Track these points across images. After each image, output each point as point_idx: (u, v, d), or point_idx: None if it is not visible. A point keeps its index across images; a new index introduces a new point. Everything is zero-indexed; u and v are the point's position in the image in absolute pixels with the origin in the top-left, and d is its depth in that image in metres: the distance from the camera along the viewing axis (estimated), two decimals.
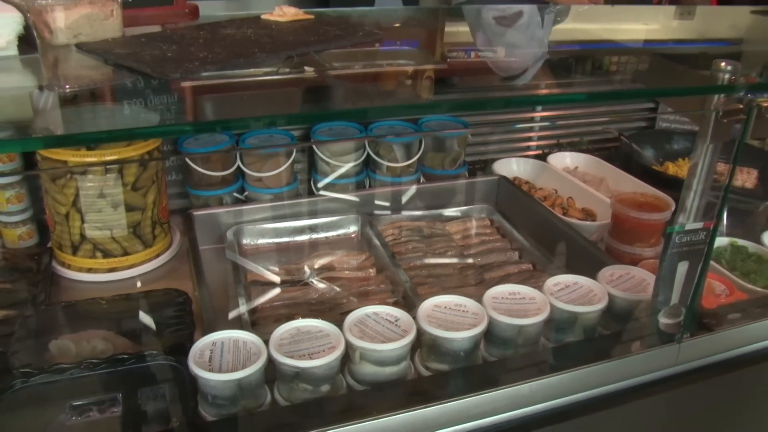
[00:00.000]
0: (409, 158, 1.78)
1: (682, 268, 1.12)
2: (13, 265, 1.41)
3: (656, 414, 1.19)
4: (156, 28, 1.27)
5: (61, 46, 1.10)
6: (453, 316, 1.10)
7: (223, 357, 0.99)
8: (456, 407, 1.01)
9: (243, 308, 1.27)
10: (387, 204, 1.69)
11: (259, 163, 1.67)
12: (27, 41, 1.09)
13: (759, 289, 1.37)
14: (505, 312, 1.11)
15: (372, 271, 1.45)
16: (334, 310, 1.30)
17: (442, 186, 1.76)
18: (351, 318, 1.08)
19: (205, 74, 0.98)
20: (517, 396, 1.05)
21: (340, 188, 1.73)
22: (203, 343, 1.02)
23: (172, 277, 1.44)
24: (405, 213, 1.68)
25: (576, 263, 1.41)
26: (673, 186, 1.63)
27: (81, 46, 1.08)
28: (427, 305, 1.12)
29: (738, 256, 1.51)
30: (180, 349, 1.09)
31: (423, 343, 1.10)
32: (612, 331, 1.21)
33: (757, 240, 1.55)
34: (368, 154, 1.76)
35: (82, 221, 1.37)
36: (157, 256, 1.48)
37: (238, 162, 1.66)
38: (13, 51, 1.07)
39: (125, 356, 1.07)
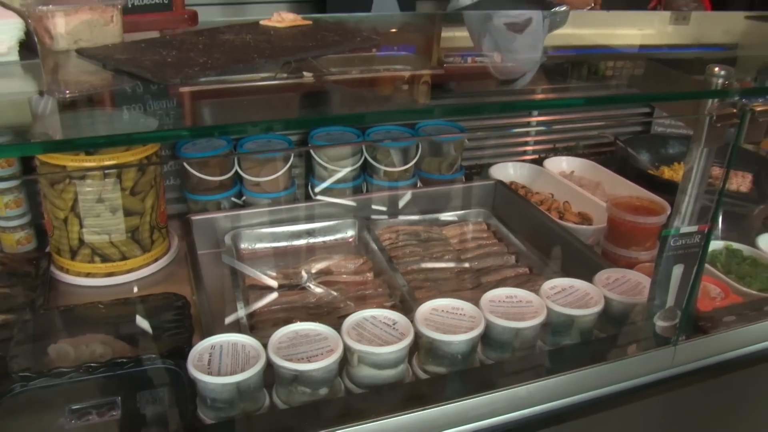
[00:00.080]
0: (406, 163, 1.78)
1: (678, 271, 1.13)
2: (12, 269, 1.41)
3: (652, 416, 1.20)
4: (155, 34, 1.28)
5: (62, 51, 1.10)
6: (450, 320, 1.11)
7: (222, 360, 1.00)
8: (454, 410, 1.01)
9: (241, 312, 1.27)
10: (384, 208, 1.70)
11: (257, 167, 1.67)
12: (28, 47, 1.10)
13: (754, 292, 1.38)
14: (502, 315, 1.11)
15: (369, 275, 1.45)
16: (331, 314, 1.31)
17: (439, 190, 1.77)
18: (349, 321, 1.09)
19: (203, 79, 0.99)
20: (515, 398, 1.06)
21: (337, 193, 1.73)
22: (202, 346, 1.02)
23: (170, 282, 1.45)
24: (402, 217, 1.68)
25: (572, 267, 1.42)
26: (669, 190, 1.64)
27: (81, 52, 1.09)
28: (425, 308, 1.13)
29: (733, 259, 1.52)
30: (179, 353, 1.09)
31: (421, 346, 1.10)
32: (608, 334, 1.22)
33: (752, 243, 1.56)
34: (365, 159, 1.77)
35: (81, 226, 1.37)
36: (156, 260, 1.49)
37: (236, 167, 1.67)
38: (14, 56, 1.08)
39: (124, 360, 1.08)
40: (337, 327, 1.07)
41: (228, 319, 1.26)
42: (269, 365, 1.00)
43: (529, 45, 1.62)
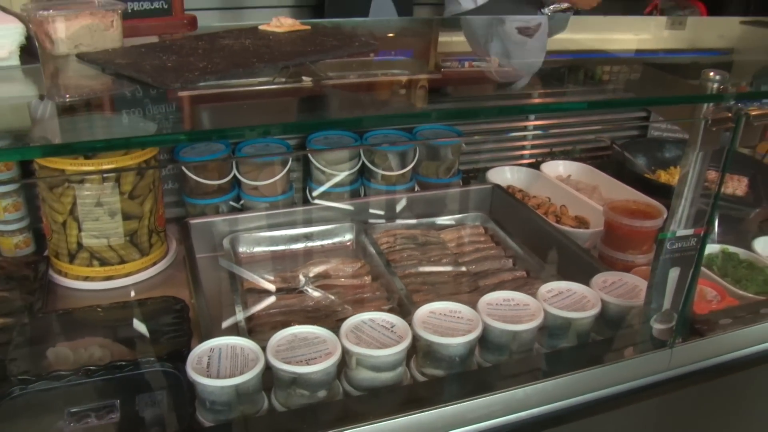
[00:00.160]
0: (403, 167, 1.79)
1: (674, 273, 1.13)
2: (10, 273, 1.41)
3: (649, 418, 1.20)
4: (155, 39, 1.29)
5: (62, 56, 1.11)
6: (448, 322, 1.11)
7: (221, 363, 1.00)
8: (451, 412, 1.02)
9: (240, 315, 1.27)
10: (382, 212, 1.70)
11: (255, 172, 1.68)
12: (29, 51, 1.10)
13: (750, 295, 1.39)
14: (500, 318, 1.12)
15: (367, 279, 1.46)
16: (329, 317, 1.31)
17: (437, 194, 1.78)
18: (347, 324, 1.09)
19: (202, 84, 1.00)
20: (512, 401, 1.06)
21: (335, 197, 1.74)
22: (201, 349, 1.03)
23: (169, 285, 1.45)
24: (400, 221, 1.69)
25: (569, 270, 1.43)
26: (665, 194, 1.65)
27: (82, 56, 1.09)
28: (423, 311, 1.14)
29: (729, 262, 1.53)
30: (177, 356, 1.10)
31: (418, 349, 1.11)
32: (605, 337, 1.22)
33: (748, 247, 1.57)
34: (363, 163, 1.78)
35: (79, 230, 1.38)
36: (154, 264, 1.49)
37: (234, 171, 1.67)
38: (15, 61, 1.08)
39: (123, 363, 1.08)
40: (336, 330, 1.07)
41: (226, 323, 1.27)
42: (268, 368, 1.00)
43: (539, 48, 1.66)
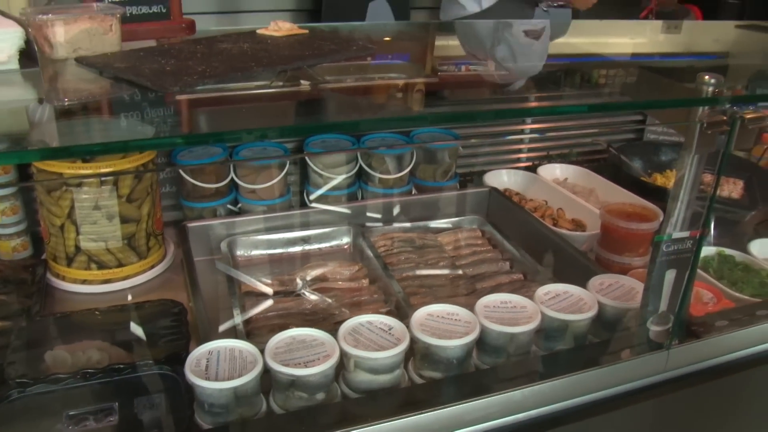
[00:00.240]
0: (400, 170, 1.80)
1: (670, 276, 1.14)
2: (7, 276, 1.41)
3: (646, 420, 1.21)
4: (153, 43, 1.30)
5: (61, 60, 1.11)
6: (446, 325, 1.11)
7: (220, 366, 1.00)
8: (449, 414, 1.02)
9: (238, 319, 1.28)
10: (379, 215, 1.71)
11: (253, 175, 1.68)
12: (28, 55, 1.10)
13: (746, 297, 1.40)
14: (497, 320, 1.12)
15: (365, 282, 1.46)
16: (327, 320, 1.32)
17: (434, 197, 1.78)
18: (345, 327, 1.09)
19: (200, 88, 1.00)
20: (510, 403, 1.07)
21: (332, 200, 1.74)
22: (200, 352, 1.03)
23: (167, 289, 1.45)
24: (397, 224, 1.69)
25: (566, 273, 1.43)
26: (661, 196, 1.66)
27: (80, 60, 1.10)
28: (420, 314, 1.14)
29: (725, 265, 1.54)
30: (176, 359, 1.10)
31: (416, 351, 1.11)
32: (602, 339, 1.23)
33: (744, 249, 1.58)
34: (360, 166, 1.78)
35: (77, 233, 1.38)
36: (152, 267, 1.49)
37: (232, 174, 1.67)
38: (14, 65, 1.09)
39: (121, 366, 1.08)
40: (334, 333, 1.08)
41: (224, 326, 1.27)
42: (266, 371, 1.01)
43: (543, 50, 1.70)
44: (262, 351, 1.03)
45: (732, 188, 1.97)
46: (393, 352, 1.03)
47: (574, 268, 1.47)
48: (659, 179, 2.03)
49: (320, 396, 1.02)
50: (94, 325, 1.25)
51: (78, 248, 1.39)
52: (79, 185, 1.33)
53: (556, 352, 1.19)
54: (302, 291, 1.40)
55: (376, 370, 1.04)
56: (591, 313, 1.17)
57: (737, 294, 1.40)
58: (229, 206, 1.69)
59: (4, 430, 0.99)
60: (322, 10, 2.87)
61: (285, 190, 1.74)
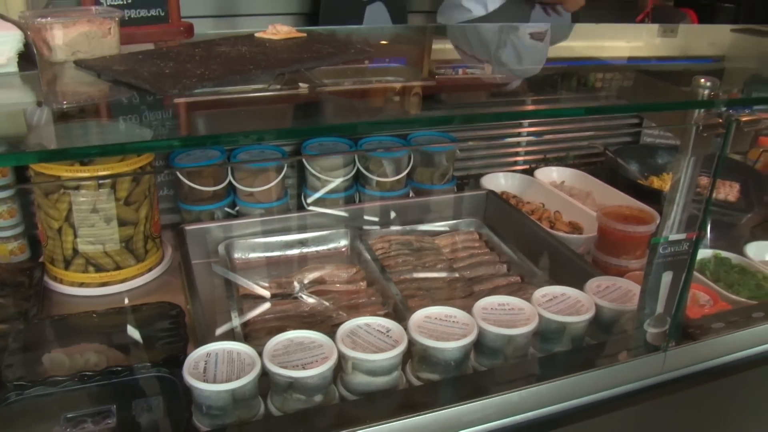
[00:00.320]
0: (398, 173, 1.80)
1: (667, 278, 1.14)
2: (5, 280, 1.41)
3: (643, 421, 1.21)
4: (151, 46, 1.30)
5: (60, 62, 1.11)
6: (443, 327, 1.12)
7: (218, 368, 1.00)
8: (447, 416, 1.02)
9: (236, 321, 1.28)
10: (377, 218, 1.71)
11: (250, 178, 1.68)
12: (27, 58, 1.11)
13: (742, 299, 1.41)
14: (495, 322, 1.13)
15: (363, 284, 1.46)
16: (325, 323, 1.32)
17: (431, 200, 1.79)
18: (343, 329, 1.09)
19: (199, 91, 1.01)
20: (507, 404, 1.07)
21: (330, 203, 1.74)
22: (198, 354, 1.03)
23: (164, 291, 1.45)
24: (394, 227, 1.70)
25: (563, 275, 1.44)
26: (658, 199, 1.67)
27: (79, 63, 1.10)
28: (418, 316, 1.14)
29: (722, 267, 1.54)
30: (174, 361, 1.10)
31: (414, 354, 1.11)
32: (599, 341, 1.23)
33: (740, 252, 1.59)
34: (358, 170, 1.79)
35: (75, 236, 1.38)
36: (149, 270, 1.49)
37: (230, 177, 1.68)
38: (13, 68, 1.09)
39: (119, 368, 1.08)
40: (332, 335, 1.08)
41: (222, 328, 1.27)
42: (264, 373, 1.01)
43: (545, 52, 1.75)
44: (260, 353, 1.03)
45: (728, 191, 1.98)
46: (391, 354, 1.04)
47: (571, 270, 1.48)
48: (656, 182, 2.03)
49: (318, 398, 1.03)
50: (91, 328, 1.25)
51: (75, 251, 1.39)
52: (77, 188, 1.34)
53: (553, 354, 1.19)
54: (300, 294, 1.40)
55: (374, 372, 1.05)
56: (588, 315, 1.18)
57: (733, 296, 1.41)
58: (226, 209, 1.70)
59: None
60: (319, 14, 2.88)
61: (282, 193, 1.74)
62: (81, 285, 1.42)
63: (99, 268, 1.42)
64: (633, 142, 2.33)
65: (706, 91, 1.09)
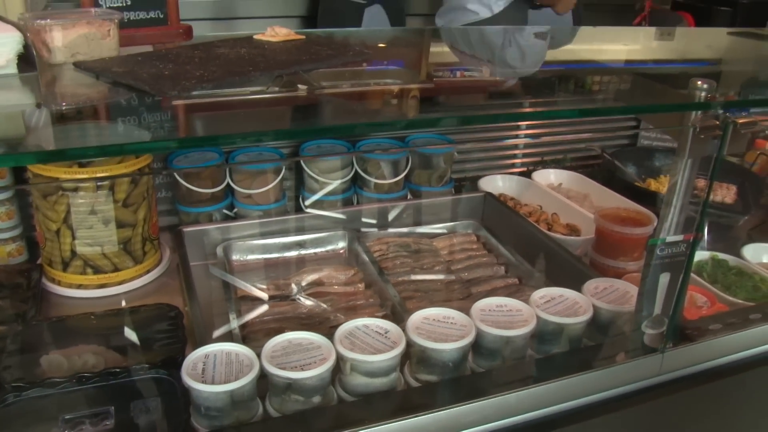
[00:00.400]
0: (396, 175, 1.80)
1: (664, 279, 1.15)
2: (2, 281, 1.41)
3: (641, 422, 1.21)
4: (150, 48, 1.30)
5: (59, 64, 1.12)
6: (442, 328, 1.12)
7: (216, 369, 1.00)
8: (445, 417, 1.03)
9: (234, 323, 1.28)
10: (374, 221, 1.71)
11: (249, 180, 1.69)
12: (26, 60, 1.11)
13: (739, 301, 1.41)
14: (493, 324, 1.13)
15: (360, 286, 1.46)
16: (323, 324, 1.32)
17: (429, 202, 1.79)
18: (342, 330, 1.10)
19: (197, 93, 1.01)
20: (505, 405, 1.07)
21: (328, 205, 1.75)
22: (196, 355, 1.03)
23: (162, 293, 1.45)
24: (392, 229, 1.70)
25: (561, 277, 1.44)
26: (655, 201, 1.67)
27: (78, 65, 1.10)
28: (416, 317, 1.14)
29: (719, 269, 1.55)
30: (172, 363, 1.10)
31: (412, 355, 1.11)
32: (597, 342, 1.23)
33: (737, 254, 1.59)
34: (356, 172, 1.79)
35: (73, 238, 1.38)
36: (147, 272, 1.49)
37: (228, 179, 1.68)
38: (13, 69, 1.09)
39: (118, 370, 1.08)
40: (330, 336, 1.08)
41: (220, 330, 1.27)
42: (263, 375, 1.01)
43: (544, 51, 1.81)
44: (258, 354, 1.03)
45: (725, 193, 1.98)
46: (389, 356, 1.04)
47: (569, 272, 1.48)
48: (653, 184, 2.04)
49: (316, 399, 1.03)
50: (89, 330, 1.25)
51: (74, 253, 1.39)
52: (75, 190, 1.34)
53: (551, 355, 1.19)
54: (297, 296, 1.40)
55: (373, 374, 1.05)
56: (586, 317, 1.18)
57: (731, 298, 1.41)
58: (224, 211, 1.70)
59: None
60: (317, 17, 2.88)
61: (281, 195, 1.75)
62: (79, 287, 1.42)
63: (97, 270, 1.42)
64: (630, 144, 2.33)
65: (703, 94, 1.09)
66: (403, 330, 1.10)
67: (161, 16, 1.35)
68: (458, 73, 1.60)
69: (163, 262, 1.55)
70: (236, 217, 1.70)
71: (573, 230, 1.72)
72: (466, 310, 1.16)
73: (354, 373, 1.05)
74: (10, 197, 1.47)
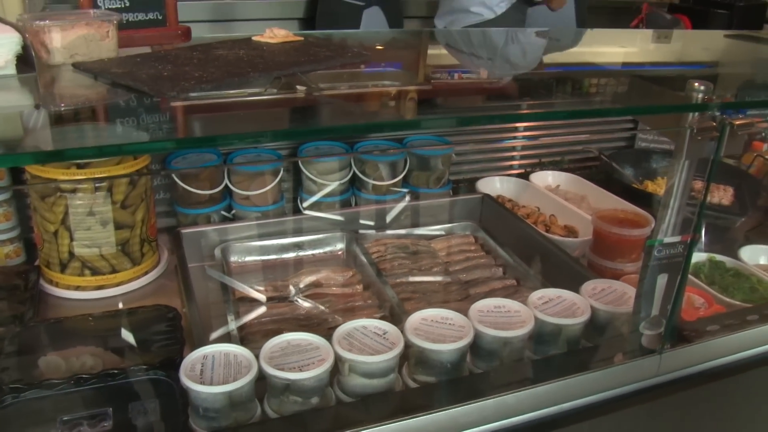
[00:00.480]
0: (394, 177, 1.81)
1: (662, 280, 1.15)
2: (0, 283, 1.41)
3: (639, 423, 1.22)
4: (149, 49, 1.30)
5: (58, 65, 1.12)
6: (440, 329, 1.12)
7: (215, 370, 1.00)
8: (443, 418, 1.03)
9: (232, 324, 1.28)
10: (372, 222, 1.71)
11: (247, 181, 1.69)
12: (25, 61, 1.11)
13: (736, 302, 1.41)
14: (491, 325, 1.13)
15: (359, 288, 1.46)
16: (321, 326, 1.32)
17: (427, 204, 1.79)
18: (340, 331, 1.10)
19: (194, 94, 1.01)
20: (504, 406, 1.07)
21: (326, 206, 1.75)
22: (194, 356, 1.03)
23: (160, 295, 1.45)
24: (390, 231, 1.70)
25: (559, 278, 1.44)
26: (652, 203, 1.68)
27: (77, 66, 1.10)
28: (415, 318, 1.14)
29: (716, 270, 1.55)
30: (170, 364, 1.10)
31: (411, 356, 1.12)
32: (595, 343, 1.24)
33: (734, 255, 1.59)
34: (354, 173, 1.79)
35: (71, 239, 1.38)
36: (145, 273, 1.49)
37: (226, 181, 1.68)
38: (11, 70, 1.09)
39: (116, 371, 1.08)
40: (328, 337, 1.08)
41: (219, 331, 1.27)
42: (261, 376, 1.01)
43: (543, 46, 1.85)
44: (256, 356, 1.03)
45: (722, 195, 1.99)
46: (387, 356, 1.04)
47: (567, 273, 1.48)
48: (650, 186, 2.04)
49: (315, 400, 1.03)
50: (87, 331, 1.24)
51: (72, 254, 1.39)
52: (74, 191, 1.33)
53: (549, 356, 1.19)
54: (295, 298, 1.40)
55: (371, 374, 1.05)
56: (584, 318, 1.18)
57: (728, 299, 1.42)
58: (222, 213, 1.70)
59: None
60: (316, 19, 2.89)
61: (279, 197, 1.75)
62: (77, 288, 1.42)
63: (95, 272, 1.41)
64: (628, 146, 2.34)
65: (700, 95, 1.10)
66: (402, 331, 1.10)
67: (160, 18, 1.36)
68: (456, 75, 1.60)
69: (161, 263, 1.54)
70: (234, 219, 1.70)
71: (571, 232, 1.73)
72: (464, 312, 1.17)
73: (352, 374, 1.05)
74: (7, 198, 1.46)
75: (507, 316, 1.17)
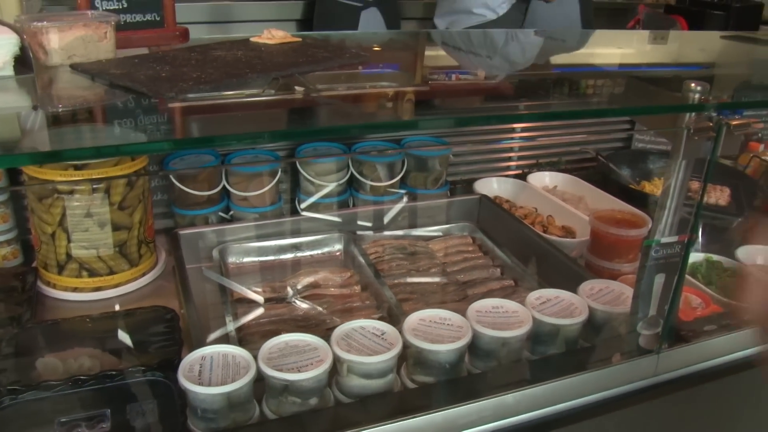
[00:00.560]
0: (392, 178, 1.81)
1: (659, 280, 1.15)
2: None
3: (637, 423, 1.22)
4: (146, 50, 1.30)
5: (56, 66, 1.12)
6: (438, 330, 1.12)
7: (213, 371, 1.00)
8: (442, 418, 1.03)
9: (230, 325, 1.28)
10: (370, 223, 1.71)
11: (245, 182, 1.69)
12: (22, 62, 1.11)
13: (734, 302, 1.41)
14: (489, 325, 1.13)
15: (357, 288, 1.47)
16: (319, 327, 1.32)
17: (425, 205, 1.79)
18: (338, 332, 1.10)
19: (192, 95, 1.01)
20: (502, 406, 1.08)
21: (324, 207, 1.75)
22: (193, 357, 1.03)
23: (158, 296, 1.45)
24: (388, 232, 1.70)
25: (557, 279, 1.44)
26: (649, 204, 1.68)
27: (75, 67, 1.10)
28: (413, 319, 1.15)
29: (713, 271, 1.55)
30: (168, 365, 1.10)
31: (409, 356, 1.12)
32: (593, 343, 1.24)
33: (732, 255, 1.59)
34: (352, 174, 1.79)
35: (69, 240, 1.37)
36: (143, 275, 1.49)
37: (224, 181, 1.68)
38: (9, 71, 1.09)
39: (114, 372, 1.08)
40: (327, 338, 1.08)
41: (217, 333, 1.27)
42: (259, 376, 1.01)
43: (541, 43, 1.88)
44: (255, 357, 1.03)
45: (719, 195, 1.99)
46: (386, 357, 1.04)
47: (565, 274, 1.48)
48: (647, 187, 2.05)
49: (313, 401, 1.03)
50: (85, 333, 1.24)
51: (69, 256, 1.39)
52: (71, 192, 1.33)
53: (547, 356, 1.20)
54: (293, 299, 1.40)
55: (369, 375, 1.05)
56: (582, 318, 1.19)
57: (725, 299, 1.42)
58: (220, 214, 1.70)
59: None
60: (313, 20, 2.89)
61: (276, 198, 1.75)
62: (74, 290, 1.42)
63: (93, 273, 1.41)
64: (625, 147, 2.34)
65: (697, 95, 1.10)
66: (400, 332, 1.10)
67: (158, 19, 1.36)
68: (453, 76, 1.60)
69: (159, 264, 1.54)
70: (232, 220, 1.70)
71: (568, 232, 1.73)
72: (462, 312, 1.17)
73: (351, 374, 1.05)
74: (5, 200, 1.46)
75: (505, 316, 1.17)
